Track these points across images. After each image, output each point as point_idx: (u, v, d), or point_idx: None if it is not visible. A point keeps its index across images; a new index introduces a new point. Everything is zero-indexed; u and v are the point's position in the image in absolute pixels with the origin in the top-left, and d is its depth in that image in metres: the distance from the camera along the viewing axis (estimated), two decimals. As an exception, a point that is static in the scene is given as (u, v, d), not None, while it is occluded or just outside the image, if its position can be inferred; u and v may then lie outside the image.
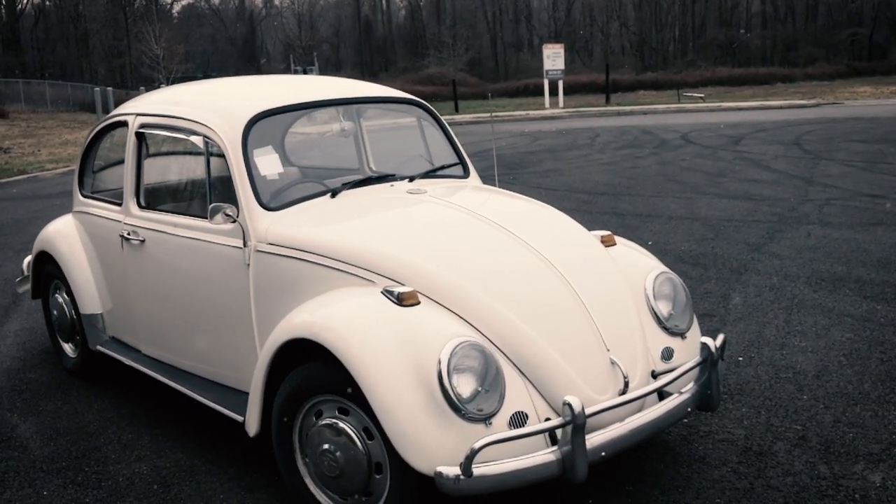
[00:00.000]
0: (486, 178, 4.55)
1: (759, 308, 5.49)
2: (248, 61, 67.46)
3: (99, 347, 4.50)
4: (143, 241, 4.02)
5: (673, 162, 13.09)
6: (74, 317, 4.70)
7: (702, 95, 31.07)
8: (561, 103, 29.42)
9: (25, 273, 5.29)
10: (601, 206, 9.48)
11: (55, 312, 4.89)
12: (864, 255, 6.70)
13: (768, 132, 17.11)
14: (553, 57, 29.35)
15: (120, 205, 4.27)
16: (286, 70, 51.22)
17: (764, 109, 25.12)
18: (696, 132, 17.79)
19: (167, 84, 33.30)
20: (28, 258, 5.26)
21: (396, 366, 2.75)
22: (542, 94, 30.95)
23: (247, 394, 3.46)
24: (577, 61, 56.67)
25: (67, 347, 4.90)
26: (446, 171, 4.21)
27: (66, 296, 4.77)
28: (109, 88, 28.68)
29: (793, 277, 6.16)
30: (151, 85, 37.78)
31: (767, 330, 5.06)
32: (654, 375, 3.18)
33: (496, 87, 46.17)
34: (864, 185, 9.99)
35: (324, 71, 51.34)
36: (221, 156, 3.62)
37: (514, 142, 17.71)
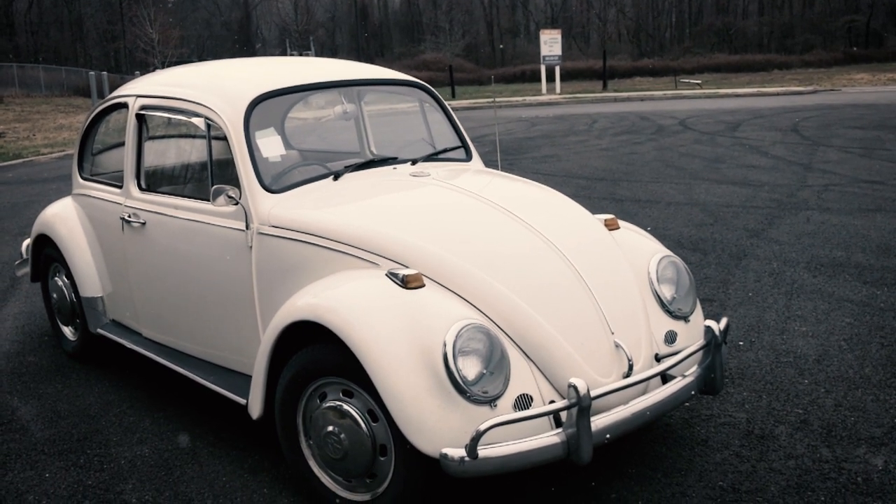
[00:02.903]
0: (488, 163, 4.53)
1: (758, 293, 5.49)
2: (244, 46, 67.11)
3: (99, 330, 4.48)
4: (143, 224, 4.00)
5: (671, 148, 13.07)
6: (74, 300, 4.68)
7: (699, 82, 31.01)
8: (558, 89, 29.37)
9: (24, 256, 5.26)
10: (600, 191, 9.47)
11: (55, 296, 4.87)
12: (864, 240, 6.70)
13: (766, 118, 17.10)
14: (550, 43, 29.28)
15: (120, 187, 4.24)
16: (282, 54, 50.99)
17: (761, 96, 25.09)
18: (693, 118, 17.77)
19: (162, 69, 33.06)
20: (27, 241, 5.23)
21: (401, 348, 2.74)
22: (538, 80, 30.90)
23: (249, 376, 3.46)
24: (574, 47, 56.51)
25: (67, 331, 4.89)
26: (449, 155, 4.19)
27: (65, 279, 4.75)
28: (104, 73, 28.55)
29: (792, 263, 6.16)
30: (146, 69, 37.54)
31: (767, 315, 5.06)
32: (658, 359, 3.17)
33: (492, 73, 45.98)
34: (863, 172, 9.99)
35: (320, 55, 51.14)
36: (223, 138, 3.60)
37: (512, 127, 17.67)
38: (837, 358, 4.36)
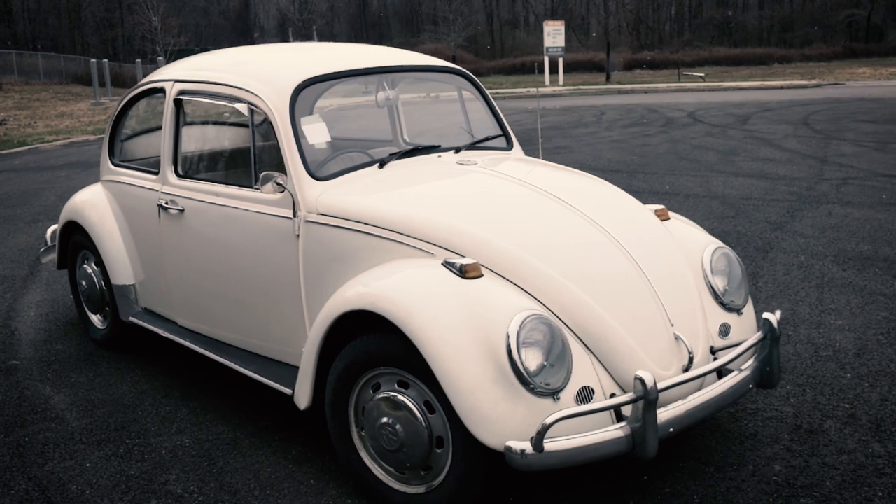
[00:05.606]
0: (528, 152, 4.48)
1: (789, 286, 5.45)
2: (242, 35, 66.80)
3: (132, 319, 4.42)
4: (182, 211, 3.93)
5: (683, 140, 13.02)
6: (104, 288, 4.62)
7: (702, 75, 30.97)
8: (561, 81, 29.28)
9: (50, 243, 5.19)
10: (617, 183, 9.27)
11: (83, 283, 4.80)
12: (889, 234, 6.66)
13: (774, 111, 17.05)
14: (553, 34, 29.17)
15: (156, 173, 4.16)
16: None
17: (766, 89, 25.04)
18: (702, 111, 17.72)
19: (165, 57, 32.87)
20: (52, 227, 5.16)
21: (463, 339, 2.69)
22: (538, 71, 30.79)
23: (290, 366, 3.41)
24: (574, 39, 56.33)
25: (95, 319, 4.82)
26: (489, 143, 4.13)
27: (95, 266, 4.69)
28: (105, 61, 28.36)
29: (819, 256, 6.12)
30: (146, 58, 37.29)
31: (801, 308, 5.02)
32: (713, 351, 3.13)
33: (493, 65, 45.86)
34: (880, 165, 9.95)
35: (319, 45, 50.69)
36: (267, 123, 3.53)
37: (519, 119, 17.58)
38: (877, 352, 4.32)
